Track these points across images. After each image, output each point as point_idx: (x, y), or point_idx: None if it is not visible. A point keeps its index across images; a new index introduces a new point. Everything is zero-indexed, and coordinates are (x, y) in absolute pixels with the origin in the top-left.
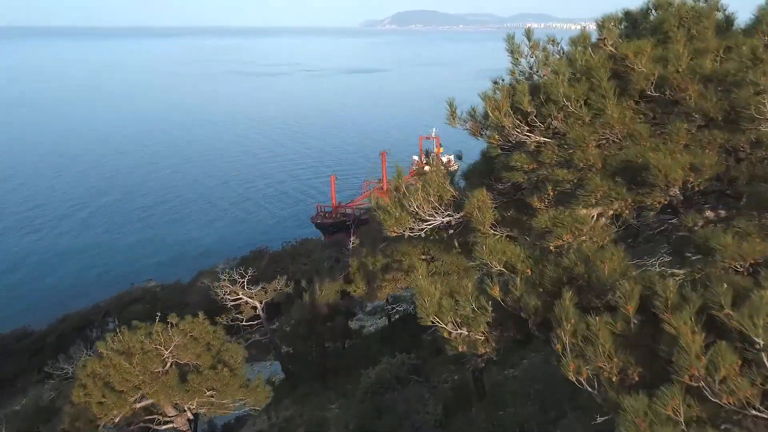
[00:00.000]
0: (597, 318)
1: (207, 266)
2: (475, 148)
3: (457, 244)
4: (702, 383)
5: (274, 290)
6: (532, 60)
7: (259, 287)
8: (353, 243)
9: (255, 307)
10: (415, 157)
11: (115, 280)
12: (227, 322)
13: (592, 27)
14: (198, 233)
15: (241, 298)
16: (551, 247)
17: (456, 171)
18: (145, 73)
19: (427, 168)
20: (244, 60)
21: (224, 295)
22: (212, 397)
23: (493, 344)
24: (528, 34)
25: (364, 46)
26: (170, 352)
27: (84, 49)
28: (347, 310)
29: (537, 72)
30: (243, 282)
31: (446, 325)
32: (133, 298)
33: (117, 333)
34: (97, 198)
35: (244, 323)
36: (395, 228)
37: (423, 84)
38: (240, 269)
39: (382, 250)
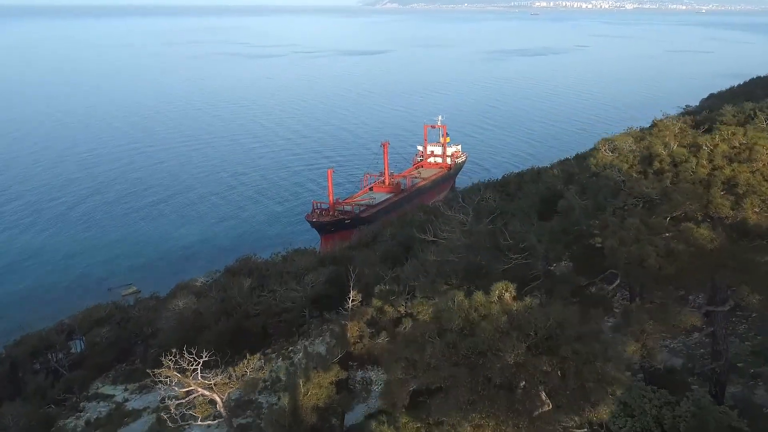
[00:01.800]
0: None
1: (189, 274)
2: (481, 140)
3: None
4: None
5: (243, 374)
6: None
7: (220, 374)
8: (353, 298)
9: (215, 402)
10: (420, 147)
11: (97, 282)
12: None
13: (604, 6)
14: (185, 232)
15: (194, 390)
16: None
17: (464, 163)
18: (127, 56)
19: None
20: (239, 41)
21: (170, 386)
22: None
23: None
24: None
25: (363, 25)
26: None
27: (65, 28)
28: (343, 411)
29: None
30: (197, 369)
31: None
32: (102, 315)
33: None
34: (83, 195)
35: (199, 422)
36: None
37: (426, 67)
38: (192, 350)
39: (406, 409)
